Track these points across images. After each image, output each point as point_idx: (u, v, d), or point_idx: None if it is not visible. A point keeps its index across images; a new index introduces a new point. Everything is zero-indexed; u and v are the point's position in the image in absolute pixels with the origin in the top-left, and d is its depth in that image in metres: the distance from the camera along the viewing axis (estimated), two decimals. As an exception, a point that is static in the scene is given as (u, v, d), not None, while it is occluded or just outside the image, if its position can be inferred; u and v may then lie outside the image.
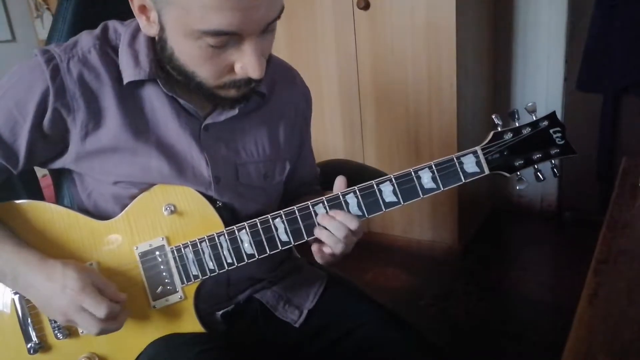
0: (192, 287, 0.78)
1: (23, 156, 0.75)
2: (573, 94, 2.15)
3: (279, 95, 0.87)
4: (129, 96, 0.75)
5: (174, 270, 0.77)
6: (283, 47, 2.20)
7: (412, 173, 0.73)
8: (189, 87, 0.72)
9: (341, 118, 2.21)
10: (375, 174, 1.09)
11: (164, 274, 0.77)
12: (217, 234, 0.76)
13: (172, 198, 0.77)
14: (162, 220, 0.77)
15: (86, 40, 0.75)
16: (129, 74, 0.74)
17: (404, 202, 0.74)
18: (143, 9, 0.69)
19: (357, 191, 0.74)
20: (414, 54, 1.93)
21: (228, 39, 0.65)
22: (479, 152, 0.73)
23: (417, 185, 0.73)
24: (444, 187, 0.73)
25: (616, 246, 0.74)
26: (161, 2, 0.65)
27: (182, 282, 0.77)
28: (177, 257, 0.77)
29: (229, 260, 0.76)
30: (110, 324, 0.71)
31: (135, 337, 0.78)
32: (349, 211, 0.74)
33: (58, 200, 0.92)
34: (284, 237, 0.75)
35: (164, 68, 0.75)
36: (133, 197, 0.77)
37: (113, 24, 0.78)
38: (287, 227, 0.75)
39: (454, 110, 1.92)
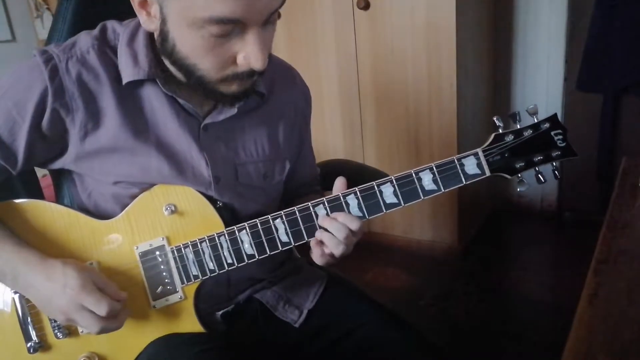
0: (192, 287, 0.78)
1: (22, 157, 0.74)
2: (573, 94, 2.16)
3: (278, 94, 0.87)
4: (128, 96, 0.75)
5: (174, 270, 0.77)
6: (283, 47, 2.20)
7: (413, 174, 0.73)
8: (189, 82, 0.72)
9: (341, 118, 2.21)
10: (375, 174, 1.09)
11: (164, 273, 0.77)
12: (217, 234, 0.76)
13: (173, 198, 0.77)
14: (163, 220, 0.77)
15: (85, 40, 0.75)
16: (128, 74, 0.73)
17: (404, 204, 0.74)
18: (144, 3, 0.69)
19: (358, 192, 0.74)
20: (414, 54, 1.93)
21: (231, 27, 0.65)
22: (480, 154, 0.73)
23: (418, 186, 0.73)
24: (444, 189, 0.73)
25: (616, 246, 0.74)
26: None
27: (182, 282, 0.77)
28: (177, 257, 0.77)
29: (229, 261, 0.76)
30: (110, 322, 0.71)
31: (135, 337, 0.78)
32: (349, 212, 0.74)
33: (58, 200, 0.92)
34: (284, 238, 0.75)
35: (163, 67, 0.75)
36: (133, 197, 0.77)
37: (111, 24, 0.78)
38: (287, 227, 0.75)
39: (454, 110, 1.92)
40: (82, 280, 0.69)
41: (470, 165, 0.73)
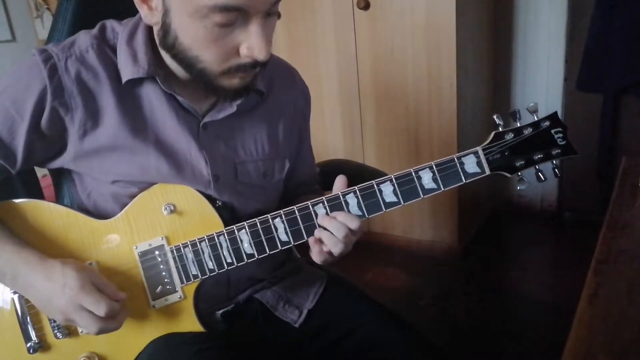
0: (191, 287, 0.78)
1: (21, 156, 0.74)
2: (573, 94, 2.15)
3: (277, 93, 0.87)
4: (127, 95, 0.75)
5: (174, 269, 0.77)
6: (283, 47, 2.20)
7: (413, 173, 0.73)
8: (191, 75, 0.72)
9: (341, 118, 2.21)
10: (375, 174, 1.09)
11: (164, 273, 0.77)
12: (216, 233, 0.76)
13: (172, 197, 0.77)
14: (162, 220, 0.77)
15: (84, 39, 0.75)
16: (127, 72, 0.73)
17: (404, 203, 0.74)
18: None
19: (358, 191, 0.74)
20: (414, 54, 1.93)
21: (235, 16, 0.65)
22: (480, 153, 0.73)
23: (418, 185, 0.73)
24: (444, 188, 0.73)
25: (616, 246, 0.73)
26: None
27: (182, 282, 0.77)
28: (176, 257, 0.77)
29: (229, 260, 0.76)
30: (109, 322, 0.71)
31: (134, 337, 0.78)
32: (349, 211, 0.74)
33: (58, 200, 0.92)
34: (283, 237, 0.75)
35: (162, 65, 0.75)
36: (132, 197, 0.77)
37: (111, 23, 0.78)
38: (286, 227, 0.75)
39: (454, 110, 1.92)
40: (81, 280, 0.69)
41: (470, 164, 0.73)
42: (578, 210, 2.33)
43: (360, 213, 0.74)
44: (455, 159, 0.73)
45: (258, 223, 0.75)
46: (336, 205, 0.74)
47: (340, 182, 0.75)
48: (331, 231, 0.73)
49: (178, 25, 0.67)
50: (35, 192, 0.96)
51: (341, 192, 0.74)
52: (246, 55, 0.68)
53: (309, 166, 0.99)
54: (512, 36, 2.33)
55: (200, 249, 0.76)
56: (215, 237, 0.76)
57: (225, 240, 0.76)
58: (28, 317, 0.77)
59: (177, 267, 0.77)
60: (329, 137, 2.26)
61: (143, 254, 0.77)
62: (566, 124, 0.73)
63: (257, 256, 0.76)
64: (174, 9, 0.66)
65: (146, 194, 0.77)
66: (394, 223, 2.25)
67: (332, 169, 1.02)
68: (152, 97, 0.76)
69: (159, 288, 0.77)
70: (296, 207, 0.75)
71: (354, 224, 0.73)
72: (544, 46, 2.27)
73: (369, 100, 2.11)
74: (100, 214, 0.79)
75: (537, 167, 0.74)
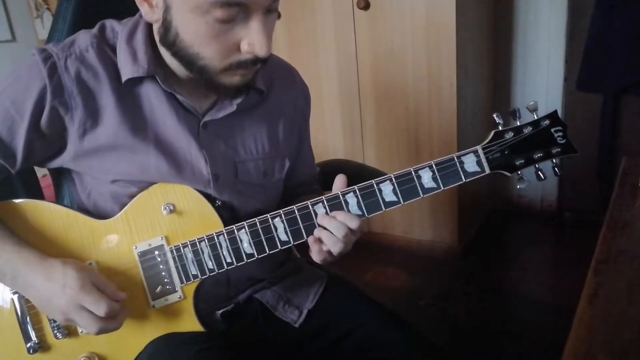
0: (191, 287, 0.78)
1: (21, 155, 0.74)
2: (573, 94, 2.15)
3: (277, 93, 0.87)
4: (127, 94, 0.75)
5: (173, 269, 0.77)
6: (283, 47, 2.20)
7: (413, 172, 0.73)
8: (191, 72, 0.72)
9: (341, 118, 2.20)
10: (375, 174, 1.09)
11: (163, 273, 0.77)
12: (216, 233, 0.76)
13: (171, 197, 0.77)
14: (161, 220, 0.77)
15: (84, 38, 0.75)
16: (127, 71, 0.73)
17: (404, 202, 0.74)
18: None
19: (357, 191, 0.74)
20: (414, 54, 1.93)
21: (236, 12, 0.65)
22: (480, 152, 0.73)
23: (418, 184, 0.73)
24: (444, 187, 0.73)
25: (616, 246, 0.73)
26: None
27: (182, 282, 0.77)
28: (176, 257, 0.77)
29: (228, 260, 0.76)
30: (109, 322, 0.70)
31: (134, 337, 0.78)
32: (348, 211, 0.74)
33: (58, 200, 0.92)
34: (283, 237, 0.75)
35: (162, 64, 0.75)
36: (132, 196, 0.77)
37: (110, 22, 0.78)
38: (286, 226, 0.75)
39: (454, 110, 1.92)
40: (81, 280, 0.69)
41: (470, 163, 0.73)
42: (578, 210, 2.33)
43: (360, 212, 0.74)
44: (455, 158, 0.73)
45: (258, 223, 0.75)
46: (336, 204, 0.74)
47: (339, 182, 0.75)
48: (331, 230, 0.73)
49: (179, 21, 0.67)
50: (35, 192, 0.96)
51: (341, 192, 0.74)
52: (247, 51, 0.68)
53: (309, 166, 0.99)
54: (512, 36, 2.33)
55: (199, 249, 0.76)
56: (215, 236, 0.76)
57: (225, 240, 0.76)
58: (28, 317, 0.76)
59: (176, 267, 0.77)
60: (329, 137, 2.26)
61: (143, 254, 0.77)
62: (566, 124, 0.73)
63: (256, 256, 0.76)
64: (175, 6, 0.66)
65: (145, 193, 0.77)
66: (394, 223, 2.24)
67: (332, 169, 1.01)
68: (152, 96, 0.76)
69: (159, 288, 0.77)
70: (296, 207, 0.75)
71: (353, 224, 0.73)
72: (544, 46, 2.27)
73: (369, 100, 2.11)
74: (100, 214, 0.79)
75: (536, 165, 0.74)
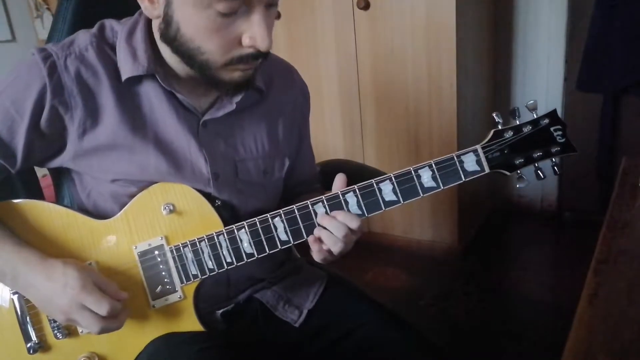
0: (191, 287, 0.78)
1: (21, 155, 0.74)
2: (573, 94, 2.15)
3: (277, 91, 0.87)
4: (126, 93, 0.75)
5: (173, 269, 0.77)
6: (283, 47, 2.20)
7: (412, 172, 0.73)
8: (192, 68, 0.72)
9: (341, 118, 2.20)
10: (375, 173, 1.08)
11: (163, 273, 0.77)
12: (216, 233, 0.76)
13: (171, 197, 0.77)
14: (161, 220, 0.77)
15: (83, 38, 0.75)
16: (127, 70, 0.73)
17: (403, 201, 0.74)
18: None
19: (357, 190, 0.74)
20: (414, 54, 1.93)
21: (238, 5, 0.65)
22: (479, 151, 0.73)
23: (417, 184, 0.73)
24: (444, 186, 0.73)
25: (616, 246, 0.73)
26: None
27: (182, 282, 0.77)
28: (176, 257, 0.77)
29: (229, 260, 0.76)
30: (111, 322, 0.70)
31: (135, 337, 0.78)
32: (348, 210, 0.74)
33: (58, 201, 0.92)
34: (283, 237, 0.75)
35: (162, 63, 0.75)
36: (132, 196, 0.77)
37: (110, 22, 0.78)
38: (286, 226, 0.75)
39: (454, 110, 1.92)
40: (82, 280, 0.69)
41: (470, 162, 0.73)
42: (578, 210, 2.33)
43: (360, 212, 0.74)
44: (455, 157, 0.73)
45: (257, 222, 0.75)
46: (336, 204, 0.74)
47: (339, 181, 0.75)
48: (330, 230, 0.73)
49: (180, 16, 0.67)
50: (35, 192, 0.96)
51: (341, 191, 0.74)
52: (248, 45, 0.69)
53: (309, 165, 0.99)
54: (512, 36, 2.33)
55: (199, 249, 0.76)
56: (215, 236, 0.76)
57: (225, 239, 0.76)
58: (28, 317, 0.76)
59: (176, 267, 0.77)
60: (329, 137, 2.26)
61: (142, 254, 0.77)
62: (566, 123, 0.73)
63: (256, 256, 0.76)
64: (177, 0, 0.67)
65: (145, 193, 0.77)
66: (394, 223, 2.24)
67: (332, 169, 1.01)
68: (152, 95, 0.76)
69: (159, 288, 0.77)
70: (295, 207, 0.75)
71: (354, 224, 0.73)
72: (544, 46, 2.27)
73: (369, 100, 2.11)
74: (100, 214, 0.79)
75: (536, 165, 0.74)
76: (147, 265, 0.77)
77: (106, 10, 0.84)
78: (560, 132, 0.73)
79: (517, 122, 0.73)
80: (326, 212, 0.74)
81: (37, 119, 0.72)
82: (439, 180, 0.73)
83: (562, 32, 2.21)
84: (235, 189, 0.82)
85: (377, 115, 2.11)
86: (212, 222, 0.77)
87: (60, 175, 0.90)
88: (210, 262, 0.76)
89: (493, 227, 2.42)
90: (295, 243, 0.76)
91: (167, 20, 0.69)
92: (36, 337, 0.77)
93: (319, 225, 0.74)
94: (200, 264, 0.76)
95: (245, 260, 0.76)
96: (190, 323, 0.79)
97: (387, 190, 0.73)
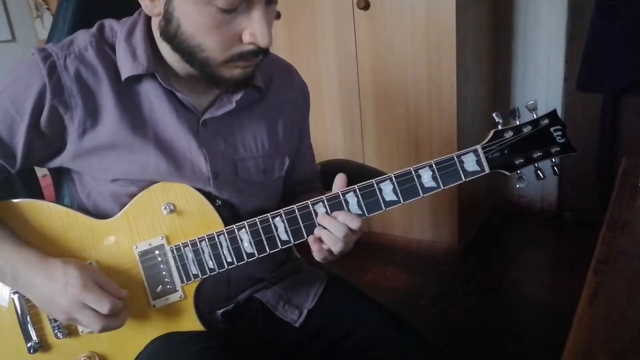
0: (191, 286, 0.78)
1: (20, 155, 0.74)
2: (573, 94, 2.15)
3: (276, 91, 0.88)
4: (126, 93, 0.75)
5: (174, 269, 0.77)
6: (283, 47, 2.20)
7: (413, 172, 0.73)
8: (193, 65, 0.72)
9: (341, 118, 2.20)
10: (375, 174, 1.08)
11: (164, 273, 0.77)
12: (216, 233, 0.76)
13: (172, 197, 0.77)
14: (162, 219, 0.77)
15: (83, 38, 0.75)
16: (127, 69, 0.74)
17: (404, 201, 0.74)
18: None
19: (357, 190, 0.74)
20: (414, 54, 1.93)
21: (238, 2, 0.66)
22: (480, 151, 0.73)
23: (418, 184, 0.73)
24: (444, 186, 0.73)
25: (616, 246, 0.73)
26: None
27: (182, 281, 0.77)
28: (176, 257, 0.77)
29: (229, 260, 0.76)
30: (112, 320, 0.71)
31: (135, 336, 0.78)
32: (349, 210, 0.74)
33: (58, 201, 0.92)
34: (283, 236, 0.75)
35: (162, 62, 0.75)
36: (132, 196, 0.77)
37: (109, 22, 0.78)
38: (287, 226, 0.75)
39: (454, 110, 1.92)
40: (83, 279, 0.69)
41: (470, 162, 0.73)
42: (578, 210, 2.33)
43: (360, 212, 0.74)
44: (455, 157, 0.73)
45: (258, 222, 0.75)
46: (336, 204, 0.74)
47: (339, 181, 0.75)
48: (331, 230, 0.73)
49: (181, 13, 0.68)
50: (35, 192, 0.96)
51: (341, 191, 0.74)
52: (249, 41, 0.69)
53: (309, 164, 0.99)
54: (512, 36, 2.33)
55: (200, 249, 0.76)
56: (215, 236, 0.76)
57: (225, 239, 0.76)
58: (28, 317, 0.76)
59: (177, 267, 0.77)
60: (329, 137, 2.26)
61: (143, 254, 0.77)
62: (566, 123, 0.73)
63: (257, 255, 0.76)
64: None
65: (146, 193, 0.77)
66: (394, 223, 2.24)
67: (332, 169, 1.01)
68: (152, 94, 0.76)
69: (159, 287, 0.77)
70: (296, 206, 0.75)
71: (354, 224, 0.73)
72: (544, 46, 2.27)
73: (369, 100, 2.11)
74: (100, 214, 0.79)
75: (536, 165, 0.75)
76: (147, 265, 0.77)
77: (106, 10, 0.85)
78: (560, 132, 0.73)
79: (517, 123, 0.73)
80: (327, 212, 0.74)
81: (36, 119, 0.72)
82: (439, 180, 0.73)
83: (562, 32, 2.21)
84: (235, 188, 0.82)
85: (377, 115, 2.11)
86: (212, 222, 0.77)
87: (60, 175, 0.90)
88: (211, 262, 0.76)
89: (493, 227, 2.42)
90: (295, 243, 0.76)
91: (167, 17, 0.69)
92: (36, 336, 0.77)
93: (319, 225, 0.74)
94: (200, 264, 0.76)
95: (246, 259, 0.76)
96: (190, 323, 0.79)
97: (388, 190, 0.73)
